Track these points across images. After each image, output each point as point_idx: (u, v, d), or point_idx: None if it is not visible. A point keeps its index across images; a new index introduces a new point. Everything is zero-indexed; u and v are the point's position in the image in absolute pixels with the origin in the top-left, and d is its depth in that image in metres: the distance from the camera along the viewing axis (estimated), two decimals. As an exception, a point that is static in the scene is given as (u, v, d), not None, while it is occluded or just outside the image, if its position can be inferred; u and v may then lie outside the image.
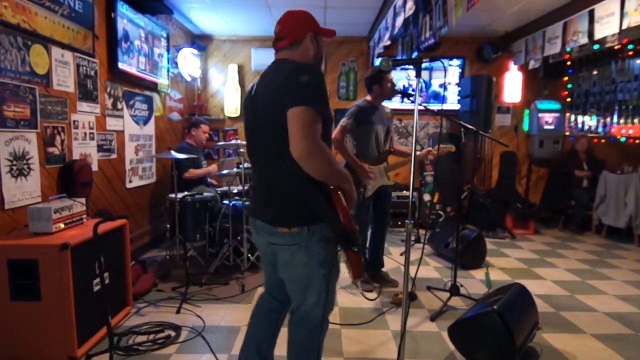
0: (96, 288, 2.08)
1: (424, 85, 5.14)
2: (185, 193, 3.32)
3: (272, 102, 1.24)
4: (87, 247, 1.97)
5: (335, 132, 2.57)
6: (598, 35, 3.32)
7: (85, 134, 2.79)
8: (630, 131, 4.81)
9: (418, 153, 2.75)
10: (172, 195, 3.21)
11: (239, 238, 3.18)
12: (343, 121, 2.63)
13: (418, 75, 1.44)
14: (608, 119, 4.99)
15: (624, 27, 3.01)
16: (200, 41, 4.98)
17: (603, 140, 5.12)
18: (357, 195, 2.67)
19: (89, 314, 1.98)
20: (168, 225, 3.36)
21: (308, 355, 1.38)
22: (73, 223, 2.11)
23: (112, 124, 3.13)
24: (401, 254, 3.66)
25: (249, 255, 3.16)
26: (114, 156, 3.18)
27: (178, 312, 2.45)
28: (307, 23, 1.38)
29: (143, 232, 3.72)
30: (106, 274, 2.15)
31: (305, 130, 1.16)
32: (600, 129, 5.07)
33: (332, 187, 1.28)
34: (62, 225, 2.02)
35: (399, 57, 4.50)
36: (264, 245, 1.39)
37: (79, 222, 2.16)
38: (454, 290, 2.59)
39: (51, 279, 1.82)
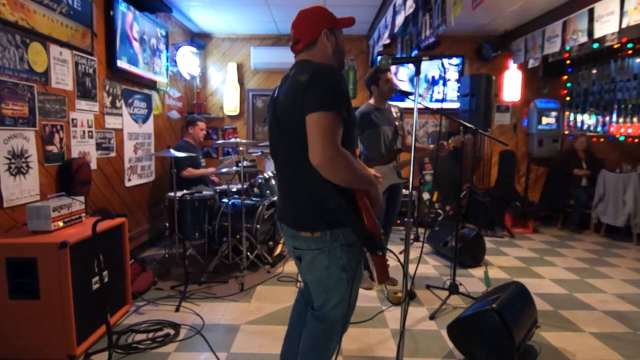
0: (95, 286, 2.08)
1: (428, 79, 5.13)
2: (185, 191, 3.32)
3: (293, 106, 1.21)
4: (86, 246, 1.96)
5: None
6: (598, 34, 3.31)
7: (84, 132, 2.78)
8: (630, 130, 4.82)
9: (432, 147, 2.83)
10: (171, 194, 3.20)
11: (238, 237, 3.18)
12: None
13: (417, 74, 1.44)
14: (607, 118, 4.99)
15: (624, 25, 3.01)
16: (200, 39, 4.97)
17: (602, 139, 5.12)
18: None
19: (88, 312, 1.97)
20: (167, 224, 3.35)
21: (323, 355, 1.38)
22: (72, 221, 2.11)
23: (110, 122, 3.13)
24: (400, 252, 3.65)
25: (248, 253, 3.16)
26: (112, 154, 3.17)
27: (177, 310, 2.45)
28: (319, 20, 1.34)
29: (142, 231, 3.72)
30: (105, 273, 2.14)
31: (324, 137, 1.13)
32: (599, 128, 5.07)
33: (356, 190, 1.25)
34: (61, 224, 2.02)
35: (399, 56, 4.50)
36: (291, 247, 1.40)
37: (77, 221, 2.15)
38: (453, 288, 2.59)
39: (50, 277, 1.82)
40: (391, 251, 1.39)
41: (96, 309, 2.00)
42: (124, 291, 2.40)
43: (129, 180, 3.44)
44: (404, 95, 2.61)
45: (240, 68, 5.15)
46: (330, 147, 1.13)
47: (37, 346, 1.86)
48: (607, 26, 3.20)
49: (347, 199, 1.23)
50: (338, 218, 1.23)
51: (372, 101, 2.78)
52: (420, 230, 4.46)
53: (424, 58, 1.42)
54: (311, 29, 1.32)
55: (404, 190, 4.77)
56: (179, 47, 4.45)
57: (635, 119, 4.76)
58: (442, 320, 2.33)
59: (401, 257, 1.58)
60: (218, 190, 3.62)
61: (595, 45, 3.97)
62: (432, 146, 2.84)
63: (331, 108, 1.15)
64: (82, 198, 2.24)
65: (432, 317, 2.41)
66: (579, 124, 5.26)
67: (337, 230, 1.25)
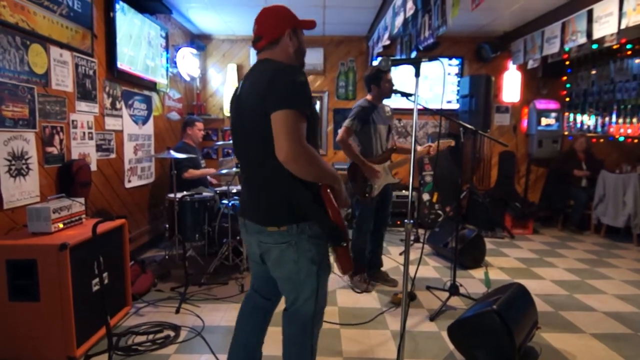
0: (95, 288, 2.07)
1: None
2: (185, 193, 3.31)
3: (256, 104, 1.24)
4: (86, 247, 1.96)
5: (340, 134, 2.66)
6: (596, 35, 3.32)
7: (84, 133, 2.78)
8: (629, 130, 4.82)
9: (419, 149, 2.81)
10: (171, 195, 3.20)
11: (238, 238, 3.17)
12: (347, 122, 2.69)
13: (417, 75, 1.44)
14: (607, 119, 5.00)
15: (623, 26, 3.02)
16: (200, 41, 4.97)
17: (602, 140, 5.13)
18: (365, 194, 2.68)
19: (87, 314, 1.97)
20: (167, 225, 3.35)
21: (302, 351, 1.39)
22: (72, 223, 2.11)
23: (110, 123, 3.13)
24: (400, 254, 3.66)
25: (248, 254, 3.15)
26: (112, 156, 3.17)
27: (177, 312, 2.45)
28: (283, 19, 1.35)
29: (142, 232, 3.72)
30: (105, 274, 2.14)
31: (289, 133, 1.16)
32: (599, 129, 5.08)
33: (320, 184, 1.29)
34: (61, 225, 2.02)
35: (398, 57, 4.51)
36: (254, 245, 1.40)
37: (78, 222, 2.15)
38: (453, 290, 2.59)
39: (50, 279, 1.81)
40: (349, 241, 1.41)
41: (96, 310, 1.99)
42: (124, 293, 2.40)
43: (129, 181, 3.44)
44: (404, 96, 2.61)
45: (240, 69, 5.15)
46: (295, 143, 1.16)
47: (37, 348, 1.86)
48: (606, 27, 3.21)
49: (312, 193, 1.26)
50: (303, 211, 1.26)
51: (369, 97, 2.78)
52: (421, 231, 4.46)
53: (423, 59, 1.42)
54: (275, 28, 1.34)
55: (403, 191, 4.80)
56: (179, 49, 4.45)
57: (634, 120, 4.77)
58: (443, 322, 2.33)
59: (401, 259, 1.58)
60: (218, 192, 3.62)
61: (595, 46, 3.98)
62: (420, 148, 2.82)
63: (295, 106, 1.18)
64: (82, 199, 2.24)
65: (432, 319, 2.41)
66: (578, 125, 5.26)
67: (302, 223, 1.28)
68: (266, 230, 1.30)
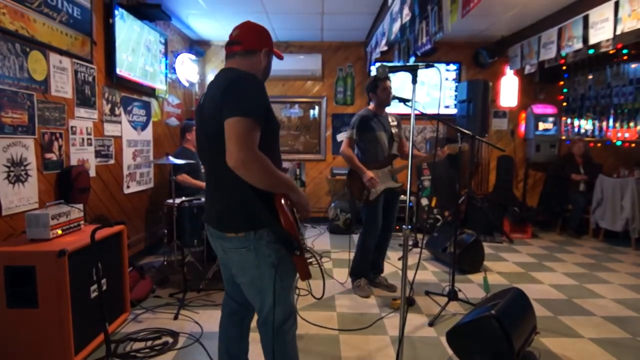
0: (93, 294, 2.07)
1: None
2: (184, 198, 3.31)
3: (214, 111, 1.25)
4: (84, 254, 1.96)
5: (343, 146, 2.81)
6: (592, 40, 3.35)
7: (83, 139, 2.79)
8: (626, 135, 4.85)
9: (425, 155, 2.97)
10: (170, 201, 3.20)
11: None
12: (348, 133, 2.83)
13: (414, 82, 1.45)
14: (604, 123, 5.03)
15: (618, 32, 3.05)
16: (199, 46, 5.01)
17: (599, 144, 5.16)
18: (364, 197, 2.71)
19: (86, 320, 1.97)
20: (166, 231, 3.34)
21: (282, 357, 1.40)
22: (71, 229, 2.11)
23: (110, 129, 3.14)
24: (399, 259, 3.66)
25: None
26: (111, 162, 3.18)
27: (176, 318, 2.44)
28: (265, 38, 1.42)
29: (140, 238, 3.71)
30: (104, 280, 2.14)
31: (240, 140, 1.17)
32: (596, 133, 5.11)
33: (276, 194, 1.30)
34: (60, 232, 2.02)
35: (396, 64, 4.54)
36: (220, 250, 1.43)
37: (76, 228, 2.15)
38: (452, 295, 2.59)
39: (48, 285, 1.81)
40: (312, 252, 1.41)
41: (94, 317, 1.99)
42: (123, 299, 2.39)
43: (128, 187, 3.44)
44: (402, 102, 2.63)
45: (239, 75, 5.18)
46: (244, 150, 1.17)
47: (35, 355, 1.85)
48: (601, 33, 3.24)
49: (265, 201, 1.27)
50: (259, 218, 1.28)
51: (370, 107, 2.87)
52: (419, 236, 4.46)
53: (420, 66, 1.44)
54: (256, 41, 1.40)
55: (402, 195, 4.81)
56: (178, 55, 4.48)
57: (631, 124, 4.80)
58: (442, 327, 2.33)
59: (400, 263, 1.59)
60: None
61: (591, 52, 4.01)
62: (425, 154, 2.93)
63: (248, 114, 1.19)
64: (80, 206, 2.24)
65: (431, 324, 2.40)
66: (576, 129, 5.29)
67: (260, 230, 1.29)
68: (226, 236, 1.32)
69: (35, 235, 1.94)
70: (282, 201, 1.29)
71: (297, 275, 1.37)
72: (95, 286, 2.07)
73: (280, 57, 1.49)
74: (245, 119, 1.18)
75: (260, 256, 1.30)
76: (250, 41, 1.38)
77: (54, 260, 1.79)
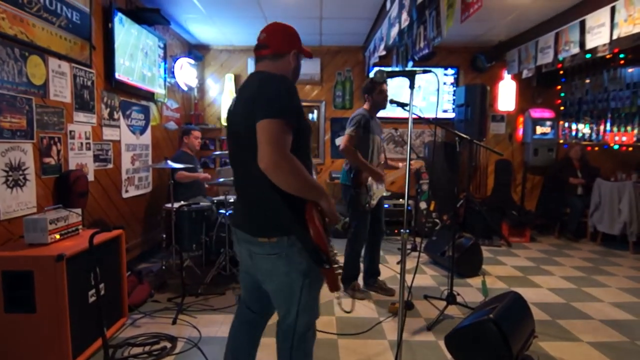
0: (91, 299, 2.06)
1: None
2: (182, 203, 3.31)
3: (245, 114, 1.24)
4: (82, 258, 1.96)
5: (344, 142, 2.67)
6: (589, 45, 3.38)
7: (81, 144, 2.79)
8: (624, 138, 4.88)
9: (401, 165, 3.01)
10: (169, 205, 3.20)
11: (235, 247, 3.17)
12: (349, 130, 2.70)
13: (412, 87, 1.46)
14: (601, 127, 5.06)
15: (615, 37, 3.07)
16: (197, 51, 5.02)
17: (597, 148, 5.18)
18: (365, 204, 2.68)
19: (84, 325, 1.96)
20: (164, 235, 3.34)
21: None
22: (69, 234, 2.10)
23: (108, 133, 3.14)
24: (397, 263, 3.66)
25: (246, 264, 3.14)
26: (110, 166, 3.18)
27: (174, 323, 2.43)
28: (293, 40, 1.39)
29: (139, 242, 3.70)
30: (102, 285, 2.13)
31: (272, 142, 1.15)
32: (593, 137, 5.14)
33: (307, 202, 1.25)
34: (58, 236, 2.01)
35: (394, 68, 4.57)
36: (245, 255, 1.39)
37: (74, 233, 2.15)
38: (451, 299, 2.59)
39: (46, 290, 1.81)
40: (338, 264, 1.39)
41: (92, 322, 1.98)
42: (121, 304, 2.38)
43: (126, 191, 3.44)
44: (400, 106, 2.64)
45: (237, 79, 5.20)
46: (277, 152, 1.15)
47: (31, 361, 1.84)
48: (598, 38, 3.27)
49: (296, 208, 1.23)
50: (292, 224, 1.25)
51: (366, 106, 2.83)
52: (418, 239, 4.46)
53: (418, 71, 1.45)
54: (285, 44, 1.37)
55: (400, 199, 4.81)
56: (177, 59, 4.49)
57: (628, 128, 4.84)
58: (440, 331, 2.33)
59: (399, 267, 1.59)
60: (215, 201, 3.62)
61: (588, 56, 4.04)
62: (400, 165, 3.02)
63: (279, 115, 1.18)
64: (79, 210, 2.24)
65: (430, 328, 2.40)
66: (573, 133, 5.32)
67: (293, 236, 1.26)
68: (257, 241, 1.29)
69: (34, 240, 1.93)
70: (313, 211, 1.24)
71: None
72: (93, 291, 2.06)
73: (310, 56, 1.45)
74: (277, 121, 1.17)
75: (292, 263, 1.27)
76: (278, 44, 1.36)
77: (52, 264, 1.79)
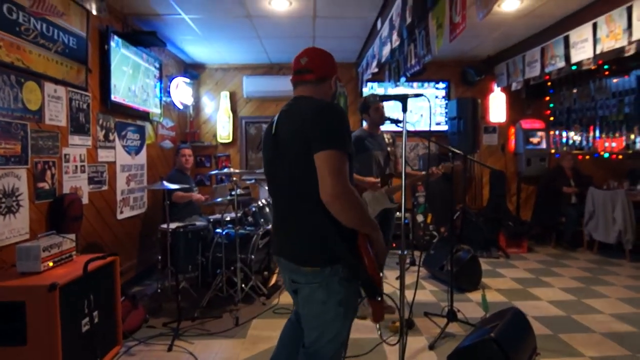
0: (85, 328, 2.01)
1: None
2: (178, 224, 3.28)
3: (297, 142, 1.24)
4: (76, 286, 1.92)
5: None
6: (574, 59, 3.48)
7: (76, 167, 2.77)
8: (613, 144, 4.98)
9: (422, 173, 2.98)
10: (164, 226, 3.16)
11: (232, 268, 3.13)
12: None
13: (404, 110, 1.49)
14: (591, 134, 5.17)
15: (598, 52, 3.17)
16: (193, 70, 5.07)
17: (587, 157, 5.26)
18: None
19: (77, 356, 1.90)
20: (159, 257, 3.29)
21: None
22: (62, 261, 2.07)
23: (103, 155, 3.13)
24: (397, 278, 3.63)
25: (243, 285, 3.10)
26: (105, 188, 3.15)
27: (170, 349, 2.37)
28: (333, 65, 1.42)
29: (134, 264, 3.65)
30: (95, 313, 2.08)
31: (334, 174, 1.17)
32: (584, 144, 5.23)
33: (358, 234, 1.26)
34: (51, 264, 1.98)
35: (387, 84, 4.64)
36: (287, 281, 1.41)
37: (68, 260, 2.11)
38: (451, 316, 2.56)
39: (38, 321, 1.76)
40: (388, 295, 1.38)
41: (86, 352, 1.93)
42: (115, 331, 2.32)
43: (121, 212, 3.41)
44: (393, 122, 2.68)
45: (233, 96, 5.24)
46: (340, 184, 1.16)
47: (22, 395, 1.78)
48: (582, 52, 3.36)
49: (344, 237, 1.24)
50: (338, 256, 1.24)
51: (365, 127, 2.89)
52: (416, 253, 4.44)
53: (409, 95, 1.48)
54: (327, 69, 1.39)
55: (397, 213, 4.82)
56: (173, 79, 4.53)
57: (617, 134, 4.95)
58: (442, 350, 2.30)
59: (398, 283, 1.58)
60: (212, 220, 3.59)
61: (574, 67, 4.15)
62: (422, 172, 2.93)
63: (340, 146, 1.19)
64: (72, 236, 2.21)
65: (431, 347, 2.37)
66: (564, 140, 5.41)
67: (337, 265, 1.26)
68: (300, 270, 1.29)
69: (26, 269, 1.90)
70: (367, 243, 1.24)
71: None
72: (86, 319, 2.01)
73: (341, 81, 1.47)
74: (338, 152, 1.18)
75: (331, 292, 1.27)
76: (321, 69, 1.38)
77: (44, 294, 1.75)
